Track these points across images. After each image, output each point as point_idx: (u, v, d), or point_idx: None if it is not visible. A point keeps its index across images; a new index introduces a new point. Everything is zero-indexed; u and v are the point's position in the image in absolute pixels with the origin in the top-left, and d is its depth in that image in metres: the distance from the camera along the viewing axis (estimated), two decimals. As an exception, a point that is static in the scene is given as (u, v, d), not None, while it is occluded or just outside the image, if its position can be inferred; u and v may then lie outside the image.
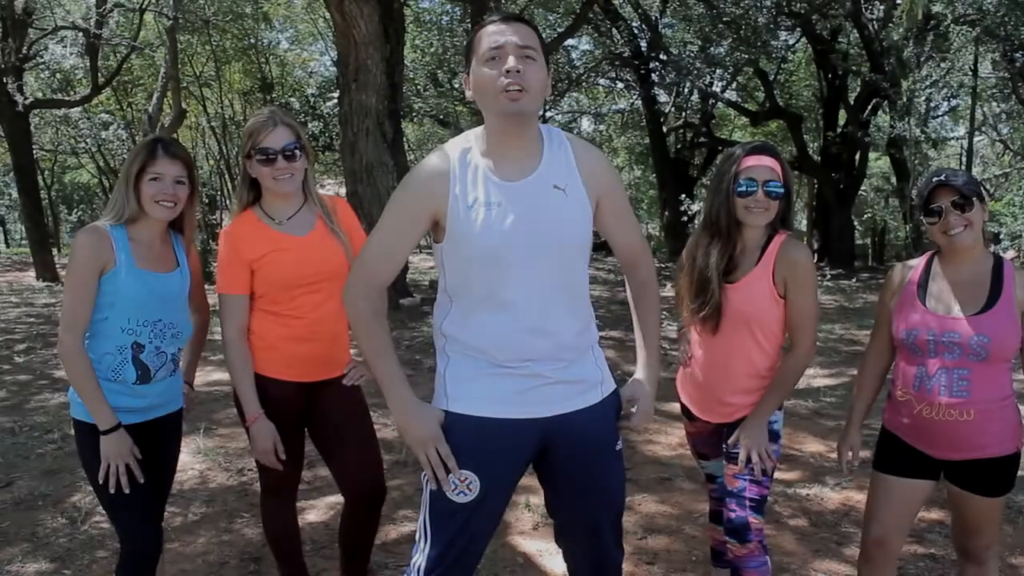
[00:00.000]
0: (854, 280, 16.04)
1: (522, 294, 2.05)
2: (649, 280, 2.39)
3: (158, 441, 2.68)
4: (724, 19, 16.77)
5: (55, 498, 4.30)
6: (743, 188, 2.58)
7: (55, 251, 21.53)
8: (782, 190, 2.59)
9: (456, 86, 22.01)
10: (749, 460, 2.64)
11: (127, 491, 2.50)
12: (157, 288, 2.57)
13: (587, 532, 2.26)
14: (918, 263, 2.68)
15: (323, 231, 2.82)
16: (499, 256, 2.03)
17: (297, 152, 2.72)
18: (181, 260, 2.70)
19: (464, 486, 2.06)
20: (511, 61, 1.97)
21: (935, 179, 2.54)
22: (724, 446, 2.76)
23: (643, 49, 20.80)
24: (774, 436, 2.70)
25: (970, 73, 15.02)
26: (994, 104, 20.45)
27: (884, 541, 2.69)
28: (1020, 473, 2.61)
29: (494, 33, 2.01)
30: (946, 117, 21.16)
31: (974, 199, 2.49)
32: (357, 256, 2.19)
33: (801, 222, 28.90)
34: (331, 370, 2.87)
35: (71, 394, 2.56)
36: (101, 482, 2.49)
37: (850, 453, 2.83)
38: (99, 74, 18.25)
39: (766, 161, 2.60)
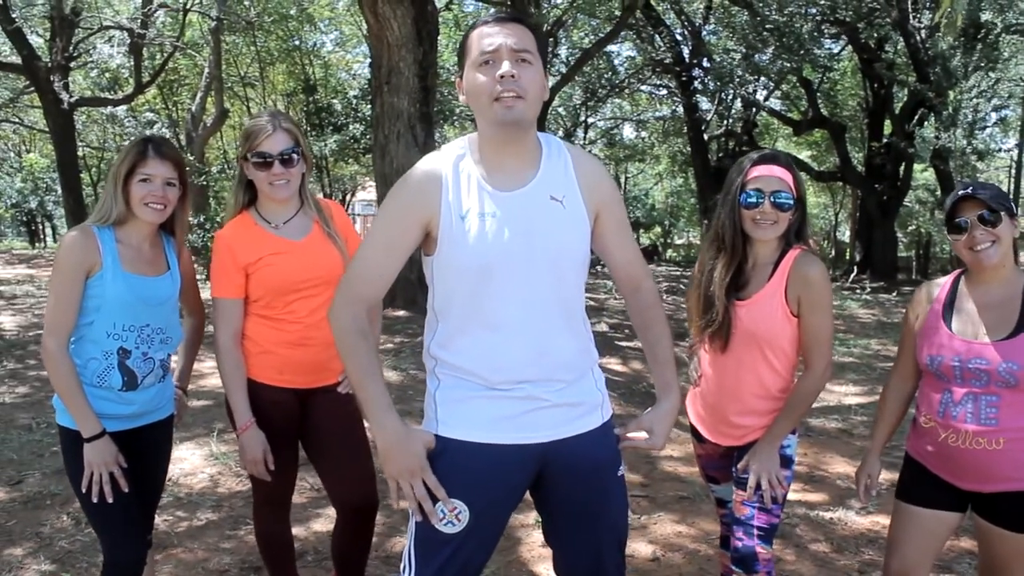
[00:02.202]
0: (894, 294, 15.69)
1: (515, 311, 1.93)
2: (654, 303, 2.22)
3: (146, 449, 2.61)
4: (768, 27, 16.54)
5: (63, 498, 4.27)
6: (750, 199, 2.45)
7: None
8: (792, 202, 2.46)
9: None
10: (759, 486, 2.50)
11: (110, 500, 2.42)
12: (144, 292, 2.50)
13: (588, 562, 2.11)
14: (944, 282, 2.53)
15: (320, 236, 2.74)
16: (491, 270, 1.91)
17: (295, 157, 2.65)
18: (172, 263, 2.63)
19: (452, 516, 1.93)
20: (505, 66, 1.85)
21: (960, 191, 2.39)
22: (733, 471, 2.63)
23: (685, 56, 20.61)
24: (786, 461, 2.56)
25: (1021, 83, 14.62)
26: (1046, 114, 19.97)
27: (906, 575, 2.54)
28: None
29: (487, 35, 1.89)
30: (995, 128, 20.66)
31: (1002, 213, 2.33)
32: (345, 271, 2.09)
33: (844, 233, 28.42)
34: (326, 377, 2.79)
35: (56, 400, 2.50)
36: (84, 491, 2.43)
37: (868, 481, 2.69)
38: (144, 73, 18.50)
39: (774, 171, 2.47)
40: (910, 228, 26.36)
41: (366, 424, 2.87)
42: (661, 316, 2.22)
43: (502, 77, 1.85)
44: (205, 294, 2.87)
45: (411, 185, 1.97)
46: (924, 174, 25.41)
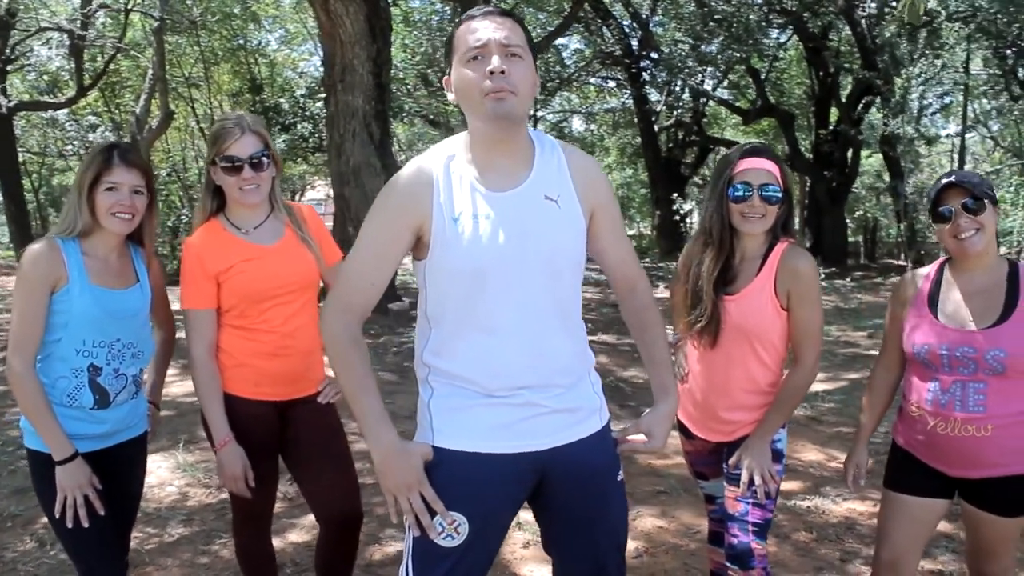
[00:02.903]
0: (848, 279, 15.95)
1: (512, 315, 1.87)
2: (650, 303, 2.17)
3: (120, 469, 2.51)
4: (715, 17, 16.66)
5: (25, 519, 4.12)
6: (738, 193, 2.43)
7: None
8: (780, 195, 2.44)
9: (446, 86, 21.80)
10: (752, 482, 2.48)
11: (86, 524, 2.32)
12: (114, 306, 2.39)
13: (589, 567, 2.05)
14: (928, 271, 2.53)
15: (293, 240, 2.65)
16: (486, 273, 1.85)
17: (265, 161, 2.55)
18: (141, 275, 2.52)
19: (452, 529, 1.86)
20: (495, 61, 1.79)
21: (944, 180, 2.40)
22: (724, 467, 2.60)
23: (634, 48, 20.69)
24: (778, 456, 2.54)
25: (962, 70, 14.93)
26: (985, 101, 20.43)
27: (897, 564, 2.55)
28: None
29: (476, 30, 1.83)
30: (938, 115, 21.11)
31: (986, 201, 2.34)
32: (335, 280, 2.01)
33: (794, 221, 28.87)
34: (305, 387, 2.70)
35: (23, 422, 2.38)
36: (58, 516, 2.32)
37: (856, 471, 2.69)
38: (85, 76, 18.03)
39: (762, 164, 2.44)
40: (857, 214, 26.80)
41: (345, 427, 2.82)
42: (657, 317, 2.17)
43: (492, 73, 1.79)
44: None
45: (401, 188, 1.90)
46: (869, 160, 25.85)
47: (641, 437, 2.10)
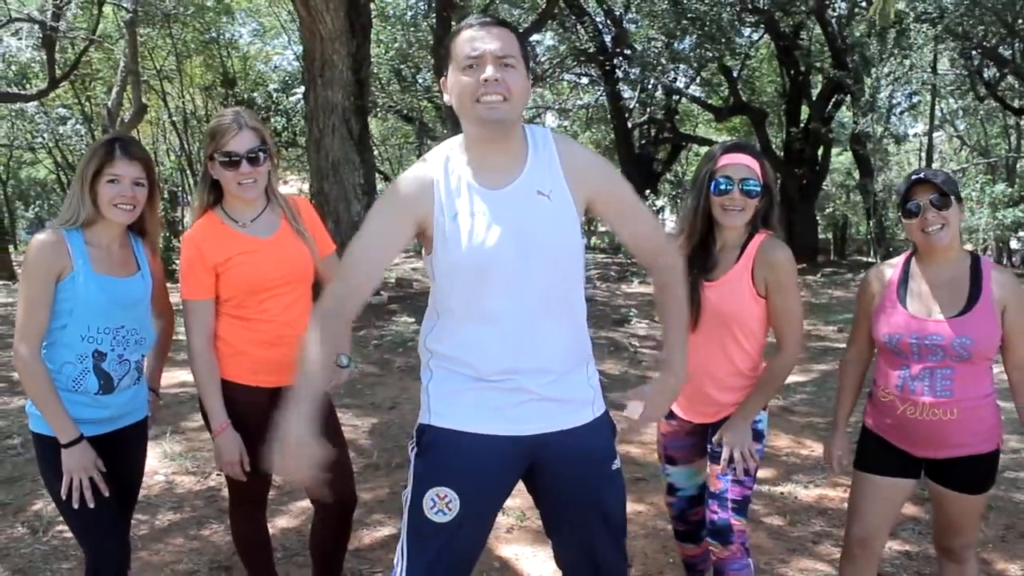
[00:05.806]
0: (819, 275, 16.18)
1: (507, 305, 1.98)
2: (671, 281, 2.21)
3: (122, 452, 2.59)
4: (688, 15, 16.82)
5: (16, 507, 4.16)
6: (720, 187, 2.55)
7: (12, 248, 21.16)
8: (759, 189, 2.56)
9: (420, 82, 21.85)
10: (732, 459, 2.61)
11: (91, 505, 2.40)
12: (118, 293, 2.47)
13: (581, 553, 2.16)
14: (896, 265, 2.67)
15: (288, 232, 2.74)
16: (486, 268, 1.96)
17: (262, 156, 2.63)
18: (142, 263, 2.61)
19: (443, 504, 1.98)
20: (489, 71, 1.90)
21: (913, 176, 2.54)
22: (708, 446, 2.73)
23: (608, 45, 20.82)
24: (758, 436, 2.68)
25: (930, 71, 15.22)
26: (951, 101, 20.79)
27: (867, 541, 2.68)
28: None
29: (472, 40, 1.93)
30: (906, 114, 21.45)
31: (951, 197, 2.48)
32: (337, 270, 2.11)
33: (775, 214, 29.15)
34: None
35: (29, 406, 2.46)
36: (64, 497, 2.40)
37: (838, 454, 2.81)
38: (56, 67, 17.83)
39: (743, 159, 2.57)
40: (827, 211, 27.14)
41: (340, 416, 2.90)
42: (675, 295, 2.22)
43: (485, 81, 1.90)
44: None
45: (404, 188, 2.02)
46: (839, 158, 26.18)
47: (640, 403, 2.21)
